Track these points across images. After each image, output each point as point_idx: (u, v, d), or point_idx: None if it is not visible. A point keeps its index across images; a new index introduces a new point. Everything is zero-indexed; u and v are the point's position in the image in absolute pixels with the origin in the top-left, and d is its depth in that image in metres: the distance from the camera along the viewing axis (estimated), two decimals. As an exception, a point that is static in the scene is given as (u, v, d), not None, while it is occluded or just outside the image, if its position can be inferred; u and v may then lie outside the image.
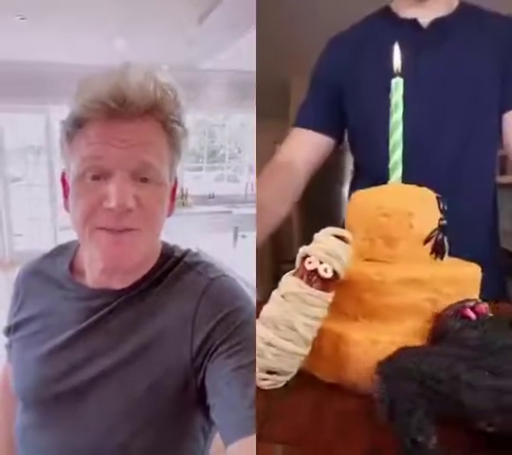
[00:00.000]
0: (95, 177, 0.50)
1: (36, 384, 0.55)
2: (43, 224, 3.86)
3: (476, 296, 0.52)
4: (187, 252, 0.58)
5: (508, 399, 0.33)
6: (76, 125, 0.51)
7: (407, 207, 0.53)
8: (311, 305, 0.48)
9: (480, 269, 0.54)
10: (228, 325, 0.50)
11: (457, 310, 0.45)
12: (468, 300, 0.47)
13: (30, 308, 0.60)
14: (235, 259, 1.82)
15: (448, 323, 0.45)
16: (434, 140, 0.86)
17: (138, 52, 2.81)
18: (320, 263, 0.47)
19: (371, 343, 0.47)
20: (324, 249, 0.48)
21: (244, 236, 2.53)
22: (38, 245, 3.62)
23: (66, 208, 0.54)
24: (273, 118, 2.88)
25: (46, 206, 3.90)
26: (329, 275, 0.47)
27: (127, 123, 0.50)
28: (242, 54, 2.79)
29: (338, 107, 0.97)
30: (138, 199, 0.50)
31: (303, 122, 0.99)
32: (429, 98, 0.86)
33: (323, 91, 0.99)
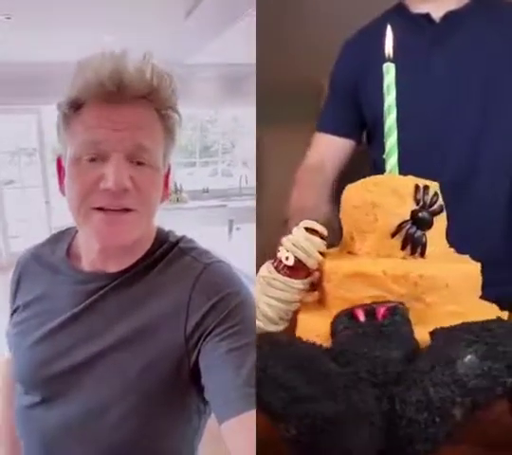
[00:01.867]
0: (91, 160, 0.50)
1: (32, 367, 0.56)
2: (37, 225, 3.85)
3: (464, 297, 0.49)
4: (182, 238, 0.59)
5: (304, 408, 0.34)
6: (73, 107, 0.51)
7: (371, 198, 0.50)
8: (274, 288, 0.55)
9: (479, 268, 0.51)
10: (223, 309, 0.51)
11: (349, 309, 0.46)
12: (381, 302, 0.46)
13: (28, 293, 0.61)
14: (231, 251, 1.83)
15: (336, 321, 0.47)
16: (451, 132, 0.87)
17: (128, 43, 2.79)
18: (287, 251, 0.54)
19: (315, 335, 0.47)
20: (291, 240, 0.54)
21: (238, 228, 2.54)
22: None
23: (63, 192, 0.54)
24: (305, 122, 2.84)
25: (41, 207, 3.89)
26: (290, 263, 0.54)
27: (124, 107, 0.51)
28: (231, 46, 2.77)
29: (356, 109, 0.98)
30: (134, 180, 0.51)
31: (325, 127, 1.02)
32: (444, 90, 0.87)
33: (341, 95, 1.01)
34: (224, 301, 0.51)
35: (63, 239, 0.63)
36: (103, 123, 0.50)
